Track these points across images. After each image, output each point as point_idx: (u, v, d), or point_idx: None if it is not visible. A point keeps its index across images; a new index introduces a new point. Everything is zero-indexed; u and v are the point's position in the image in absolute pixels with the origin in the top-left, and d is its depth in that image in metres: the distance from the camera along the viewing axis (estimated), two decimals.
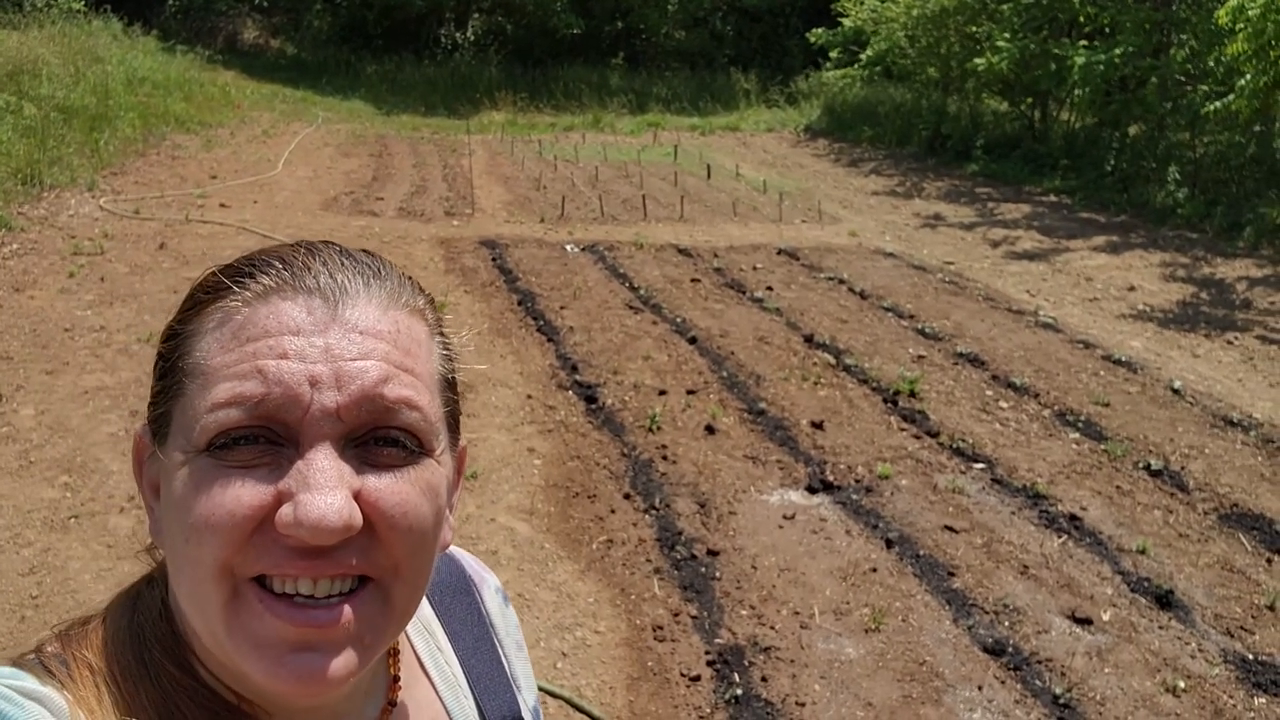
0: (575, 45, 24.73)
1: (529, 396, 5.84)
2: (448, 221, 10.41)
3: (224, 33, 24.61)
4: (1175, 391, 6.49)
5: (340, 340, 0.66)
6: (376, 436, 0.66)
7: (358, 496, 0.64)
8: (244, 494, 0.63)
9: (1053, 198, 13.54)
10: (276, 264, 0.69)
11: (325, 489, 0.62)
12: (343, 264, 0.70)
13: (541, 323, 7.17)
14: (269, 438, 0.64)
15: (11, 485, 4.42)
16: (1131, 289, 9.15)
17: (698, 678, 3.51)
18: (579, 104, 21.58)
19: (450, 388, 0.76)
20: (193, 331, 0.69)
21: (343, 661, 0.65)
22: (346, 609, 0.64)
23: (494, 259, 8.92)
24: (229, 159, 12.75)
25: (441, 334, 0.76)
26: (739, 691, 3.42)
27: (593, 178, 13.45)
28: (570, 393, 5.93)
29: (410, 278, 0.75)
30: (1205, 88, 12.98)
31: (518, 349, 6.63)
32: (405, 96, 21.33)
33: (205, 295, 0.70)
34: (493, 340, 6.76)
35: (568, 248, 9.53)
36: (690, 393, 6.00)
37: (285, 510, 0.62)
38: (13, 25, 13.85)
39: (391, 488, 0.66)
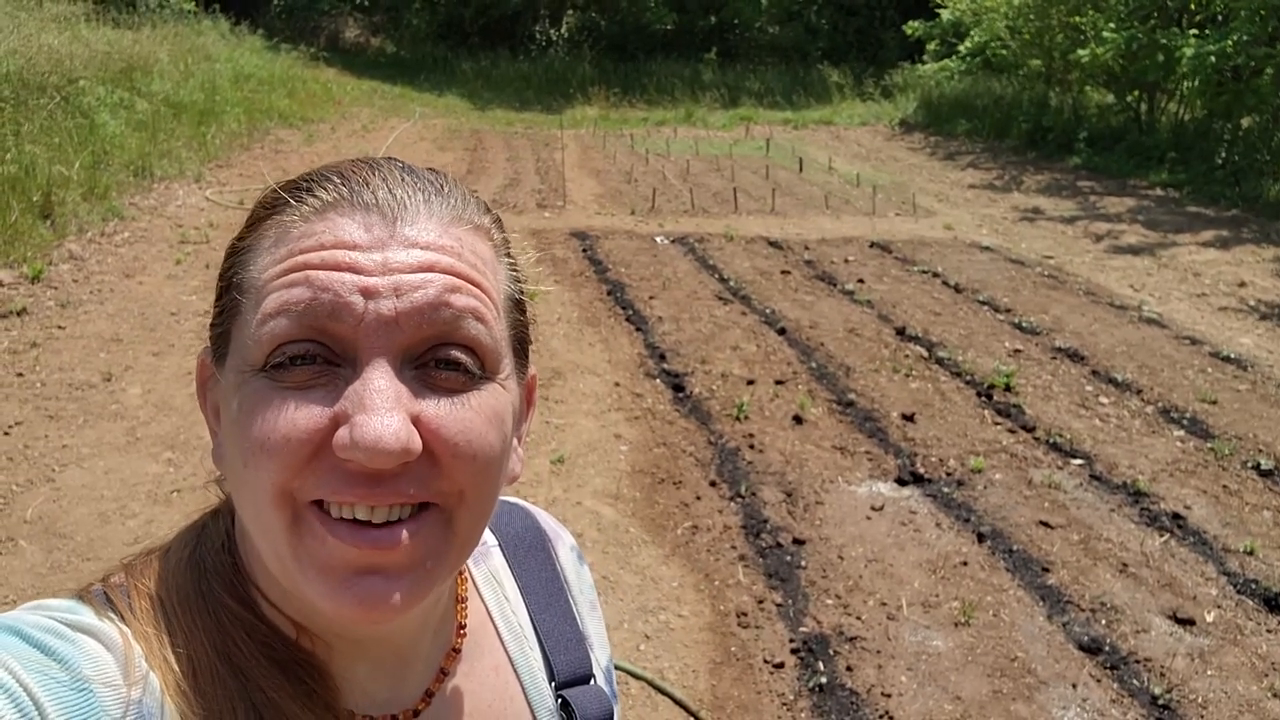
0: (668, 40, 24.75)
1: (617, 384, 5.86)
2: (539, 213, 10.51)
3: (326, 32, 25.24)
4: None
5: (399, 254, 0.64)
6: (437, 358, 0.64)
7: (417, 422, 0.61)
8: (299, 417, 0.61)
9: (1159, 191, 13.06)
10: (335, 179, 0.68)
11: (382, 410, 0.60)
12: (403, 180, 0.69)
13: (630, 312, 7.19)
14: (325, 356, 0.62)
15: (119, 460, 4.60)
16: (1242, 285, 8.78)
17: (781, 665, 3.48)
18: (671, 99, 21.56)
19: (518, 309, 0.74)
20: (249, 247, 0.68)
21: (406, 586, 0.63)
22: (404, 531, 0.62)
23: (584, 250, 8.97)
24: (329, 153, 13.06)
25: (508, 254, 0.74)
26: (823, 680, 3.37)
27: (684, 171, 13.44)
28: (658, 381, 5.93)
29: (475, 195, 0.73)
30: None
31: (606, 338, 6.65)
32: (500, 92, 21.59)
33: (263, 211, 0.69)
34: (582, 329, 6.80)
35: (658, 239, 9.53)
36: (779, 383, 5.94)
37: (342, 433, 0.60)
38: (127, 25, 14.40)
39: (453, 414, 0.63)
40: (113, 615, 0.66)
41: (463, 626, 0.81)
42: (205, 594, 0.69)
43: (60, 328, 6.09)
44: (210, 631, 0.67)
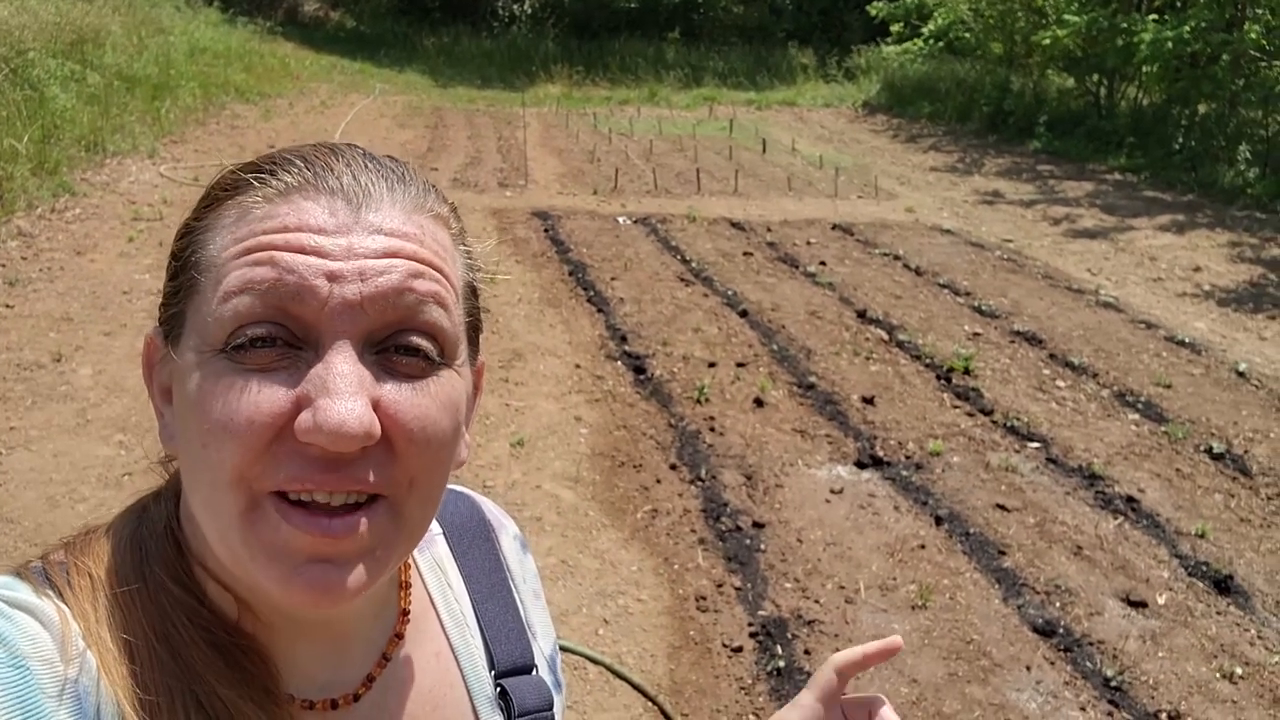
0: (632, 19, 24.60)
1: (578, 366, 5.83)
2: (501, 193, 10.42)
3: (284, 5, 24.84)
4: (1240, 374, 6.31)
5: (364, 240, 0.64)
6: (398, 344, 0.64)
7: (376, 406, 0.62)
8: (263, 400, 0.61)
9: (1117, 176, 13.20)
10: (298, 162, 0.67)
11: (345, 395, 0.60)
12: (366, 166, 0.68)
13: (592, 293, 7.15)
14: (286, 338, 0.62)
15: (69, 442, 4.51)
16: (1197, 269, 8.90)
17: (740, 649, 3.48)
18: (634, 77, 21.45)
19: (473, 295, 0.74)
20: (207, 227, 0.67)
21: (355, 574, 0.64)
22: (363, 521, 0.63)
23: (546, 230, 8.91)
24: (287, 129, 12.86)
25: (464, 243, 0.74)
26: (781, 664, 3.39)
27: (647, 151, 13.38)
28: (619, 363, 5.91)
29: (434, 185, 0.73)
30: None
31: (568, 319, 6.61)
32: (462, 69, 21.39)
33: (223, 192, 0.68)
34: (543, 310, 6.76)
35: (620, 220, 9.49)
36: (740, 365, 5.95)
37: (305, 417, 0.60)
38: None
39: (411, 400, 0.64)
40: (50, 593, 0.65)
41: (406, 612, 0.81)
42: (146, 575, 0.69)
43: (8, 306, 5.95)
44: (149, 613, 0.67)
